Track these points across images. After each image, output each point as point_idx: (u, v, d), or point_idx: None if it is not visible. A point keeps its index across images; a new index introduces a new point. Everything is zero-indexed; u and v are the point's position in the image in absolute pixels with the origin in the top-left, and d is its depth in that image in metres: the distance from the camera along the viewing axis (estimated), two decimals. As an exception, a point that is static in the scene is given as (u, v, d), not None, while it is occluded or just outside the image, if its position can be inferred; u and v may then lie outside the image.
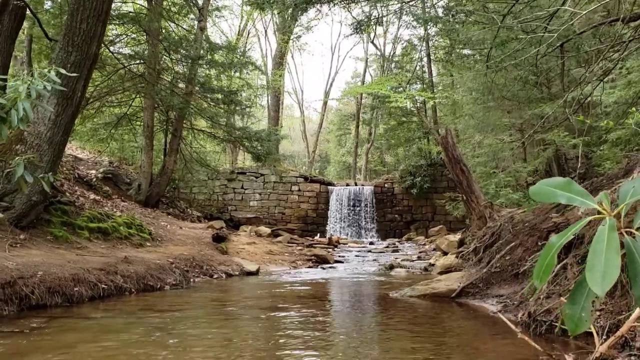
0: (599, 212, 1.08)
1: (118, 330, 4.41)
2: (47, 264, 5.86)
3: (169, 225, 12.82)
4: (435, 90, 24.29)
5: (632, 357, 3.07)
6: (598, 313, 3.56)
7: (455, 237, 11.86)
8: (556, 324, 3.92)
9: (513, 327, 3.38)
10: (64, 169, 11.93)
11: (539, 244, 5.69)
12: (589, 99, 9.09)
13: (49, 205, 8.01)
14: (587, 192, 1.06)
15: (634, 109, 5.55)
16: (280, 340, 4.06)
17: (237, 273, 9.66)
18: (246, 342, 4.10)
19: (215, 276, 9.01)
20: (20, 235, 6.94)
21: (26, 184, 4.22)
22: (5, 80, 4.42)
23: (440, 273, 8.50)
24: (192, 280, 8.24)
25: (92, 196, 11.51)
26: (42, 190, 7.28)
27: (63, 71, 4.04)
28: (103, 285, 6.16)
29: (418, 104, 24.59)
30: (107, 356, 3.43)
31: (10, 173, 4.55)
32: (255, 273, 9.95)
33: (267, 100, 31.54)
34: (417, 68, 25.95)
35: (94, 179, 13.74)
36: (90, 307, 5.57)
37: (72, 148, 17.27)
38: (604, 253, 0.90)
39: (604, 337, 3.27)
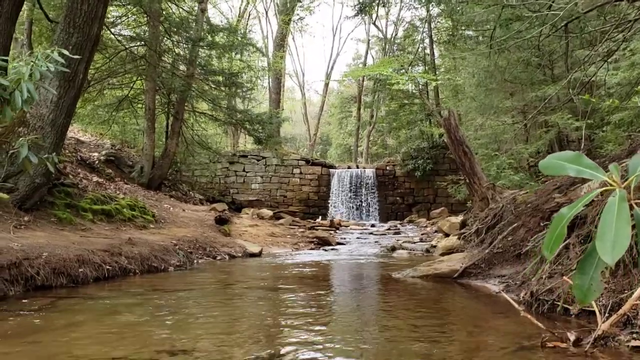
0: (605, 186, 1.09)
1: (123, 310, 4.45)
2: (51, 246, 5.89)
3: (171, 208, 12.87)
4: (437, 73, 24.16)
5: (634, 335, 3.10)
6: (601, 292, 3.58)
7: (457, 219, 11.90)
8: (558, 302, 3.96)
9: (516, 305, 3.41)
10: (67, 151, 11.94)
11: (542, 224, 5.71)
12: (593, 79, 9.05)
13: (53, 187, 8.03)
14: (596, 165, 1.07)
15: (639, 87, 5.53)
16: (283, 319, 4.10)
17: (240, 255, 9.71)
18: (250, 320, 4.14)
19: (218, 258, 9.06)
20: (24, 217, 6.97)
21: (30, 164, 4.24)
22: (6, 61, 4.41)
23: (442, 254, 8.54)
24: (195, 261, 8.29)
25: (95, 178, 11.53)
26: (46, 172, 7.30)
27: (66, 52, 4.03)
28: (108, 267, 6.20)
29: (420, 86, 24.49)
30: (113, 334, 3.47)
31: (14, 154, 4.56)
32: (258, 255, 10.00)
33: (269, 83, 31.42)
34: (419, 50, 25.81)
35: (97, 162, 13.75)
36: (95, 287, 5.62)
37: (74, 131, 17.25)
38: (614, 223, 0.90)
39: (606, 315, 3.30)
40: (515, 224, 6.30)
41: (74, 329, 3.65)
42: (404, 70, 23.85)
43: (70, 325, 3.76)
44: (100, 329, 3.65)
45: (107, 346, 3.17)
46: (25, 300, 4.66)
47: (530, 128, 16.29)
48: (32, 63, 3.75)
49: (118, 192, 11.47)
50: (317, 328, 3.75)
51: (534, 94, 13.02)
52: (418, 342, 3.34)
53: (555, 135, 14.07)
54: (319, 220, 19.84)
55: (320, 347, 3.20)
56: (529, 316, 3.26)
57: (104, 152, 15.64)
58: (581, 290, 1.00)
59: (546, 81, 14.00)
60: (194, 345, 3.21)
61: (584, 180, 5.57)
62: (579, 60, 10.19)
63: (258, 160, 22.93)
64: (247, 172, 22.83)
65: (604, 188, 1.02)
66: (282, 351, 3.11)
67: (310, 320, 4.03)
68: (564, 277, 3.67)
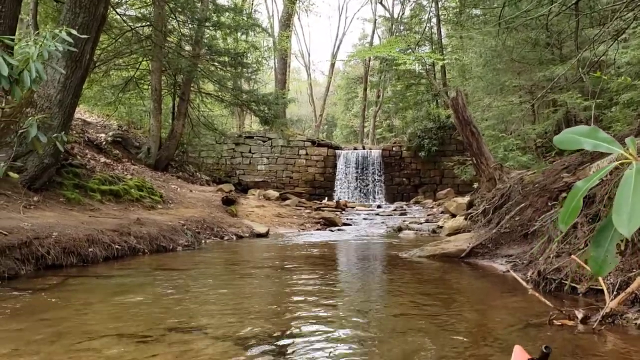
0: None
1: (133, 288, 4.51)
2: (61, 225, 5.94)
3: (179, 188, 12.92)
4: (444, 52, 23.95)
5: (642, 313, 3.12)
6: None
7: (464, 200, 11.90)
8: (566, 281, 3.97)
9: (524, 283, 3.43)
10: (74, 132, 11.97)
11: (549, 204, 5.70)
12: (602, 58, 8.95)
13: (61, 167, 8.07)
14: (613, 139, 1.07)
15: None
16: (291, 297, 4.14)
17: (247, 235, 9.77)
18: (258, 299, 4.19)
19: (225, 238, 9.12)
20: (33, 197, 7.02)
21: (40, 143, 4.25)
22: (12, 41, 4.40)
23: (449, 235, 8.56)
24: (203, 241, 8.35)
25: (103, 159, 11.58)
26: (54, 153, 7.33)
27: (74, 32, 4.02)
28: (117, 246, 6.25)
29: (427, 66, 24.30)
30: (123, 312, 3.52)
31: (23, 134, 4.57)
32: (265, 235, 10.06)
33: (274, 63, 31.27)
34: (426, 29, 25.57)
35: (104, 143, 13.79)
36: (105, 267, 5.68)
37: (81, 112, 17.27)
38: (630, 196, 0.91)
39: (615, 293, 3.31)
40: (523, 204, 6.30)
41: (85, 306, 3.70)
42: (410, 50, 23.65)
43: (81, 303, 3.81)
44: (111, 307, 3.70)
45: (117, 323, 3.21)
46: (37, 279, 4.72)
47: (537, 108, 16.17)
48: (40, 43, 3.74)
49: (125, 172, 11.52)
50: (324, 306, 3.78)
51: (541, 74, 12.90)
52: (425, 318, 3.36)
53: (563, 115, 13.96)
54: (325, 201, 19.87)
55: (327, 323, 3.23)
56: (536, 294, 3.28)
57: (111, 133, 15.66)
58: (596, 262, 1.01)
59: (554, 61, 13.86)
60: (203, 322, 3.25)
61: (592, 160, 5.55)
62: (588, 39, 10.08)
63: (264, 142, 22.91)
64: (253, 153, 22.83)
65: (621, 161, 1.02)
66: (290, 327, 3.14)
67: (317, 298, 4.06)
68: (572, 256, 3.67)
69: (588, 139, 1.09)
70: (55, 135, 4.60)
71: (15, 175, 5.63)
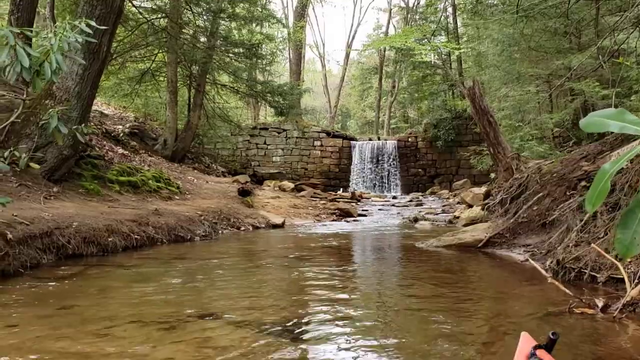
0: None
1: (153, 276, 4.56)
2: (81, 216, 6.02)
3: (195, 180, 13.00)
4: (460, 42, 23.72)
5: (663, 301, 3.09)
6: (629, 259, 3.57)
7: (481, 190, 11.84)
8: (585, 270, 3.94)
9: (543, 272, 3.41)
10: (92, 124, 12.08)
11: (568, 193, 5.65)
12: (623, 46, 8.82)
13: (80, 159, 8.16)
14: (640, 121, 1.06)
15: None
16: (307, 286, 4.16)
17: (263, 226, 9.82)
18: (275, 287, 4.22)
19: (242, 228, 9.17)
20: (53, 188, 7.11)
21: (60, 134, 4.30)
22: (31, 32, 4.45)
23: (465, 225, 8.53)
24: (220, 232, 8.41)
25: (120, 151, 11.68)
26: (73, 144, 7.41)
27: (93, 23, 4.04)
28: (136, 236, 6.32)
29: (443, 56, 24.10)
30: (144, 299, 3.57)
31: (43, 126, 4.63)
32: (281, 226, 10.10)
33: (289, 54, 31.21)
34: (442, 19, 25.33)
35: (121, 134, 13.90)
36: (124, 256, 5.75)
37: (98, 104, 17.41)
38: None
39: (635, 282, 3.29)
40: (541, 194, 6.25)
41: (106, 294, 3.76)
42: (426, 40, 23.46)
43: (102, 290, 3.87)
44: (131, 295, 3.75)
45: (138, 310, 3.26)
46: (58, 268, 4.79)
47: (555, 98, 15.99)
48: (60, 34, 3.78)
49: (143, 164, 11.61)
50: (341, 294, 3.80)
51: (559, 62, 12.74)
52: (443, 306, 3.37)
53: (580, 104, 13.78)
54: (340, 192, 19.86)
55: (344, 311, 3.25)
56: (556, 283, 3.27)
57: (127, 125, 15.78)
58: (623, 244, 1.01)
59: (572, 49, 13.67)
60: (223, 310, 3.28)
61: (612, 149, 5.49)
62: (608, 27, 9.92)
63: (279, 133, 22.94)
64: (268, 144, 22.87)
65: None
66: (307, 314, 3.17)
67: (333, 287, 4.08)
68: (592, 245, 3.65)
69: (615, 121, 1.08)
70: (75, 127, 4.66)
71: (36, 166, 5.70)
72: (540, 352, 1.47)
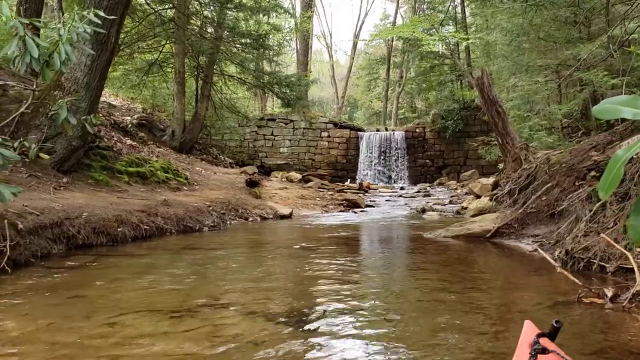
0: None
1: (162, 266, 4.59)
2: (90, 206, 6.06)
3: (203, 171, 13.05)
4: (468, 32, 23.56)
5: (673, 291, 3.08)
6: (638, 249, 3.55)
7: (489, 181, 11.80)
8: (594, 260, 3.93)
9: (552, 262, 3.41)
10: (100, 115, 12.13)
11: (577, 184, 5.63)
12: (634, 35, 8.73)
13: (89, 150, 8.20)
14: (654, 107, 1.05)
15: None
16: (315, 276, 4.16)
17: (271, 216, 9.84)
18: (284, 277, 4.24)
19: (250, 219, 9.20)
20: (62, 179, 7.16)
21: (69, 125, 4.33)
22: (39, 23, 4.46)
23: (473, 216, 8.51)
24: (228, 222, 8.44)
25: (129, 142, 11.73)
26: (82, 135, 7.45)
27: (101, 13, 4.06)
28: (145, 226, 6.36)
29: (451, 46, 23.96)
30: (154, 289, 3.59)
31: (53, 116, 4.65)
32: (289, 216, 10.12)
33: (296, 45, 31.13)
34: (450, 8, 25.16)
35: (129, 125, 13.95)
36: (134, 246, 5.78)
37: (106, 95, 17.47)
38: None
39: (645, 272, 3.27)
40: (549, 184, 6.22)
41: (116, 283, 3.79)
42: (434, 30, 23.33)
43: (113, 280, 3.90)
44: (142, 284, 3.78)
45: (149, 299, 3.29)
46: (68, 258, 4.83)
47: (565, 87, 15.87)
48: (69, 25, 3.79)
49: (151, 155, 11.66)
50: (349, 284, 3.81)
51: (568, 52, 12.63)
52: (451, 296, 3.37)
53: (589, 94, 13.67)
54: (347, 183, 19.86)
55: (352, 300, 3.26)
56: (565, 272, 3.26)
57: (136, 116, 15.83)
58: (636, 230, 1.00)
59: (582, 39, 13.54)
60: (232, 299, 3.30)
61: (622, 139, 5.45)
62: (619, 15, 9.81)
63: (286, 124, 22.94)
64: (275, 135, 22.88)
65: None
66: (316, 303, 3.18)
67: (341, 276, 4.09)
68: (602, 235, 3.64)
69: (628, 108, 1.08)
70: (84, 117, 4.68)
71: (46, 157, 5.74)
72: (544, 340, 1.47)
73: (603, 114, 1.13)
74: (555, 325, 1.51)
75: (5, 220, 4.32)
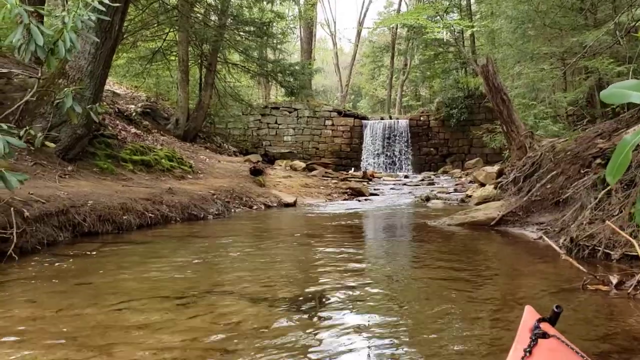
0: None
1: (168, 253, 4.62)
2: (96, 194, 6.08)
3: (207, 159, 13.06)
4: (473, 19, 23.39)
5: (678, 278, 3.08)
6: (643, 237, 3.55)
7: (493, 169, 11.78)
8: (599, 248, 3.93)
9: (557, 249, 3.41)
10: (105, 103, 12.13)
11: (582, 171, 5.61)
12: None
13: (93, 138, 8.22)
14: (663, 92, 1.05)
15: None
16: (320, 264, 4.18)
17: (275, 204, 9.86)
18: (289, 265, 4.25)
19: (254, 207, 9.22)
20: (67, 167, 7.18)
21: (75, 113, 4.33)
22: (43, 10, 4.45)
23: (478, 204, 8.51)
24: (233, 210, 8.46)
25: (133, 130, 11.74)
26: (87, 124, 7.45)
27: (106, 1, 4.04)
28: (150, 214, 6.38)
29: (455, 33, 23.79)
30: (159, 276, 3.61)
31: (58, 105, 4.66)
32: (293, 205, 10.14)
33: (300, 33, 30.98)
34: (455, -5, 24.94)
35: (134, 114, 13.96)
36: (139, 234, 5.81)
37: (110, 84, 17.47)
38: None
39: (650, 259, 3.27)
40: (554, 172, 6.21)
41: (122, 270, 3.81)
42: (438, 18, 23.16)
43: (118, 267, 3.92)
44: (147, 272, 3.80)
45: (155, 286, 3.31)
46: (74, 245, 4.86)
47: (571, 75, 15.76)
48: (74, 12, 3.78)
49: (155, 143, 11.67)
50: (353, 271, 3.82)
51: (574, 39, 12.53)
52: (455, 283, 3.38)
53: (595, 82, 13.57)
54: (351, 171, 19.84)
55: (356, 287, 3.27)
56: (570, 259, 3.26)
57: (139, 105, 15.83)
58: (643, 214, 1.00)
59: (587, 26, 13.43)
60: (237, 286, 3.32)
61: (628, 126, 5.43)
62: (625, 2, 9.72)
63: (290, 112, 22.88)
64: (279, 124, 22.84)
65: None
66: (320, 290, 3.19)
67: (345, 264, 4.10)
68: (607, 222, 3.63)
69: (636, 92, 1.07)
70: (89, 106, 4.68)
71: (52, 145, 5.76)
72: (544, 325, 1.47)
73: (611, 99, 1.13)
74: (555, 310, 1.51)
75: (12, 208, 4.34)
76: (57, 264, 4.00)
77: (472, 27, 21.93)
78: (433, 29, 21.84)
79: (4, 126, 3.49)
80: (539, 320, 1.49)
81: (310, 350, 2.17)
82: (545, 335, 1.43)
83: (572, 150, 6.36)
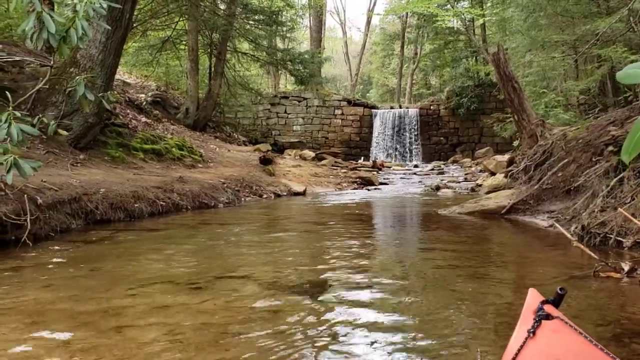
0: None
1: (179, 241, 4.65)
2: (107, 182, 6.13)
3: (217, 148, 13.10)
4: (484, 7, 23.17)
5: (691, 266, 3.07)
6: (656, 224, 3.54)
7: (504, 158, 11.73)
8: (611, 235, 3.92)
9: (569, 236, 3.40)
10: (115, 92, 12.20)
11: (594, 159, 5.58)
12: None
13: (104, 127, 8.26)
14: (678, 71, 1.04)
15: None
16: (330, 251, 4.20)
17: (284, 193, 9.89)
18: (299, 252, 4.28)
19: (264, 196, 9.25)
20: (79, 156, 7.24)
21: (87, 101, 4.36)
22: None
23: (488, 193, 8.47)
24: (243, 199, 8.50)
25: (143, 119, 11.79)
26: (98, 112, 7.50)
27: (116, -12, 4.05)
28: (161, 202, 6.43)
29: (466, 22, 23.60)
30: (171, 262, 3.64)
31: (70, 93, 4.69)
32: (302, 194, 10.15)
33: (309, 21, 30.86)
34: (466, -17, 24.72)
35: (144, 103, 14.01)
36: (150, 221, 5.85)
37: (120, 73, 17.49)
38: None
39: (662, 246, 3.26)
40: (566, 160, 6.18)
41: (134, 257, 3.85)
42: (449, 6, 22.97)
43: (130, 253, 3.96)
44: (159, 258, 3.83)
45: (167, 272, 3.34)
46: (87, 233, 4.91)
47: (584, 63, 15.61)
48: (85, 0, 3.79)
49: (166, 132, 11.72)
50: (363, 258, 3.84)
51: (586, 27, 12.39)
52: (466, 270, 3.39)
53: (607, 71, 13.44)
54: (361, 161, 19.81)
55: (366, 274, 3.29)
56: (582, 247, 3.25)
57: (150, 94, 15.88)
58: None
59: (600, 13, 13.27)
60: (248, 272, 3.35)
61: (641, 114, 5.38)
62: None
63: (299, 102, 22.84)
64: (288, 113, 22.81)
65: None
66: (330, 277, 3.21)
67: (355, 251, 4.12)
68: (619, 209, 3.62)
69: (653, 73, 1.07)
70: (101, 94, 4.71)
71: (65, 133, 5.79)
72: (548, 307, 1.48)
73: (627, 79, 1.12)
74: (559, 292, 1.51)
75: (25, 195, 4.39)
76: (70, 250, 4.05)
77: (483, 15, 21.75)
78: (443, 17, 21.69)
79: (18, 114, 3.52)
80: (543, 302, 1.49)
81: (322, 334, 2.19)
82: (548, 317, 1.44)
83: (583, 138, 6.32)
